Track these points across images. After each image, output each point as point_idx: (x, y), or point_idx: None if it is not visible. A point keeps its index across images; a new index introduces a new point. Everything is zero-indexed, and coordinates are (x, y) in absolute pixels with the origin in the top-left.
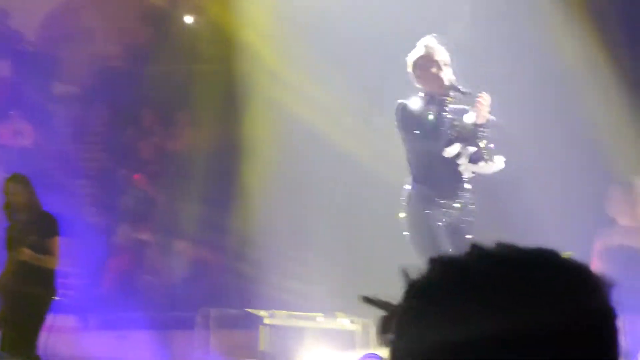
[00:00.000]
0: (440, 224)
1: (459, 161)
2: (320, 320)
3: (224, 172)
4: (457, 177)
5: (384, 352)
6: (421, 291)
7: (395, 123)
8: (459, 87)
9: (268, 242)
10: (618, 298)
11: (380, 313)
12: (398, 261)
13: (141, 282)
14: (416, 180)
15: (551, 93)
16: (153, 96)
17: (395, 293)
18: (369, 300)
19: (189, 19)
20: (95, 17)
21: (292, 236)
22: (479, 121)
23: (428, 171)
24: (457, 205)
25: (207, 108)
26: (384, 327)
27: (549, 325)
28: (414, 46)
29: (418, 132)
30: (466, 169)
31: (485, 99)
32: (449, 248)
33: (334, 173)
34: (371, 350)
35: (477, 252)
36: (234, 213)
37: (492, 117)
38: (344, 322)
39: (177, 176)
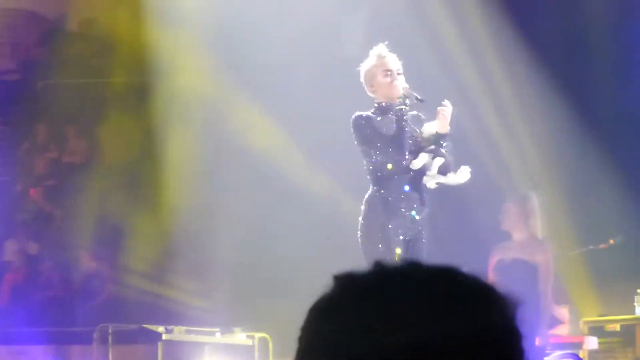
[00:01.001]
0: (399, 237)
1: (428, 172)
2: (218, 336)
3: (123, 186)
4: (419, 188)
5: None
6: (320, 308)
7: (353, 136)
8: (415, 94)
9: (167, 258)
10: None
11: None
12: (298, 278)
13: (37, 297)
14: (377, 189)
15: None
16: (48, 111)
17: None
18: None
19: (80, 31)
20: None
21: (192, 253)
22: (442, 131)
23: (389, 182)
24: (417, 217)
25: (103, 122)
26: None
27: (448, 340)
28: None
29: (379, 144)
30: (432, 180)
31: (447, 107)
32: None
33: (241, 189)
34: None
35: (379, 269)
36: (132, 229)
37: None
38: (241, 337)
39: (74, 191)
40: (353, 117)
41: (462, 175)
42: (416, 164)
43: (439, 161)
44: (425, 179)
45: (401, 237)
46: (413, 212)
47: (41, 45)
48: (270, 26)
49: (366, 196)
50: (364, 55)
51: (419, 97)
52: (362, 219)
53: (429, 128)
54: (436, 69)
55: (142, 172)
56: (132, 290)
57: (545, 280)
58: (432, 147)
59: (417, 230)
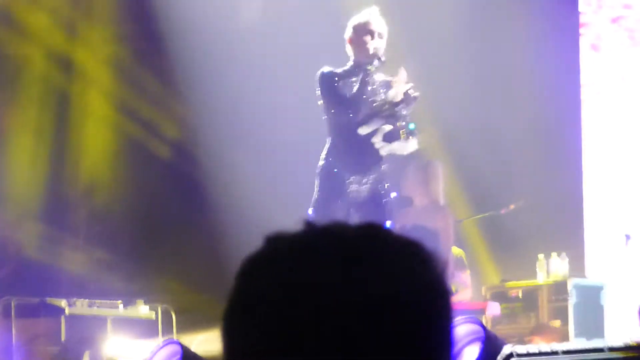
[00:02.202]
0: (349, 197)
1: (374, 139)
2: (121, 308)
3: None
4: (373, 153)
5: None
6: (249, 264)
7: (317, 89)
8: (380, 56)
9: (69, 230)
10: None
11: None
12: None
13: None
14: (332, 149)
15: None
16: None
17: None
18: None
19: None
20: None
21: (96, 225)
22: (396, 98)
23: (344, 143)
24: (366, 183)
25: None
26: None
27: (375, 297)
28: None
29: (337, 99)
30: (381, 147)
31: (401, 75)
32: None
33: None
34: (172, 337)
35: (308, 229)
36: (38, 200)
37: (414, 94)
38: (144, 310)
39: None
40: (321, 70)
41: (408, 145)
42: (363, 130)
43: (386, 128)
44: (376, 145)
45: (352, 200)
46: (365, 177)
47: None
48: None
49: (321, 156)
50: None
51: (382, 59)
52: (317, 172)
53: (391, 94)
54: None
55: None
56: (35, 263)
57: (445, 246)
58: (386, 113)
59: (367, 196)
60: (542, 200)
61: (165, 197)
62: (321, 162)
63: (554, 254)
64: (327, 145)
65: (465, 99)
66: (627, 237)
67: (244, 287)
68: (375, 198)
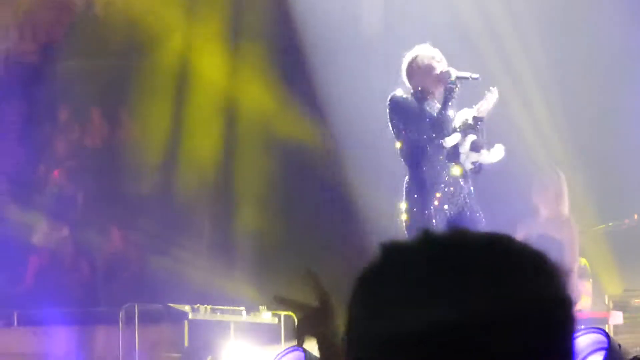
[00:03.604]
0: (445, 212)
1: (460, 150)
2: (244, 315)
3: (142, 167)
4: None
5: (309, 344)
6: (366, 279)
7: (388, 117)
8: (470, 74)
9: (191, 237)
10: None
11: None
12: (320, 259)
13: (62, 278)
14: (415, 171)
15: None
16: (69, 92)
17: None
18: (281, 300)
19: (103, 14)
20: (7, 14)
21: (216, 232)
22: (480, 114)
23: (428, 162)
24: (459, 195)
25: (124, 103)
26: (299, 328)
27: (499, 311)
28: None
29: (417, 124)
30: (467, 158)
31: (494, 94)
32: None
33: (268, 172)
34: (295, 344)
35: (427, 238)
36: (155, 208)
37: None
38: (267, 316)
39: (96, 172)
40: (392, 96)
41: (495, 153)
42: (449, 141)
43: (471, 138)
44: (462, 157)
45: (446, 213)
46: (452, 189)
47: (62, 27)
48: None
49: (405, 180)
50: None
51: (474, 76)
52: (405, 200)
53: (466, 111)
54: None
55: (167, 154)
56: (157, 269)
57: (571, 257)
58: (466, 127)
59: (460, 205)
60: None
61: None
62: (411, 197)
63: None
64: (407, 176)
65: (588, 107)
66: None
67: (362, 299)
68: (471, 210)
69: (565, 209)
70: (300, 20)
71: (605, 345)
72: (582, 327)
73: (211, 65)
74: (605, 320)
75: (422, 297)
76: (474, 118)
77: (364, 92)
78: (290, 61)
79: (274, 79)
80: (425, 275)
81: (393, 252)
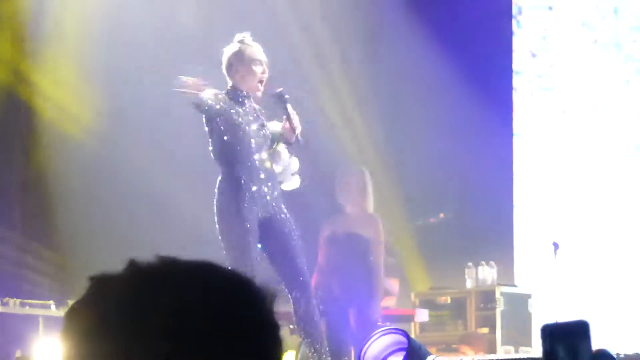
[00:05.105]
0: (254, 215)
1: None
2: (53, 308)
3: None
4: (266, 166)
5: None
6: (73, 311)
7: (204, 115)
8: (280, 92)
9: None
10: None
11: None
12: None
13: None
14: (224, 171)
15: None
16: None
17: None
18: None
19: None
20: None
21: (29, 229)
22: (289, 136)
23: (237, 162)
24: (272, 195)
25: None
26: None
27: (209, 341)
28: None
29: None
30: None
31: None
32: (261, 244)
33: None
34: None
35: (134, 269)
36: None
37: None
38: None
39: None
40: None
41: (292, 183)
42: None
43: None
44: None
45: (258, 216)
46: (265, 189)
47: None
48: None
49: (218, 179)
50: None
51: (284, 96)
52: (216, 204)
53: (274, 126)
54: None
55: None
56: None
57: (376, 254)
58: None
59: (271, 207)
60: (472, 209)
61: None
62: (222, 200)
63: (483, 262)
64: (219, 178)
65: (393, 104)
66: (555, 245)
67: (70, 331)
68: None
69: (370, 205)
70: None
71: (405, 345)
72: (384, 327)
73: None
74: (411, 318)
75: (126, 328)
76: (282, 137)
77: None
78: None
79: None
80: (129, 306)
81: (101, 282)
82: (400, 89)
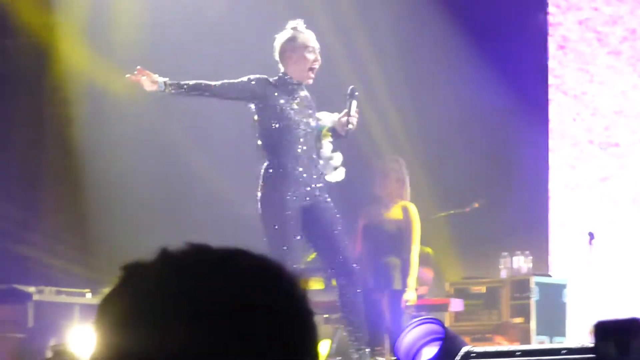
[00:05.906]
0: (297, 204)
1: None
2: (89, 297)
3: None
4: (312, 155)
5: None
6: (108, 300)
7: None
8: (352, 88)
9: (38, 222)
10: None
11: None
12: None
13: None
14: (270, 158)
15: None
16: None
17: None
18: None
19: None
20: None
21: (63, 218)
22: (340, 129)
23: (283, 149)
24: (316, 183)
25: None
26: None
27: (241, 327)
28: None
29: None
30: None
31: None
32: (303, 231)
33: (140, 165)
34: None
35: (165, 256)
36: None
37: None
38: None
39: None
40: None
41: (337, 174)
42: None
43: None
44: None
45: (301, 204)
46: (309, 178)
47: None
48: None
49: (262, 169)
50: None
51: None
52: (260, 190)
53: (324, 118)
54: None
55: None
56: (1, 251)
57: (412, 243)
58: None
59: (313, 196)
60: (507, 198)
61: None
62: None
63: (518, 252)
64: (264, 166)
65: (427, 94)
66: (591, 235)
67: (105, 319)
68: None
69: (407, 194)
70: None
71: (441, 335)
72: (419, 317)
73: None
74: (445, 307)
75: (158, 316)
76: (328, 130)
77: None
78: None
79: None
80: (161, 295)
81: (132, 271)
82: (434, 78)
